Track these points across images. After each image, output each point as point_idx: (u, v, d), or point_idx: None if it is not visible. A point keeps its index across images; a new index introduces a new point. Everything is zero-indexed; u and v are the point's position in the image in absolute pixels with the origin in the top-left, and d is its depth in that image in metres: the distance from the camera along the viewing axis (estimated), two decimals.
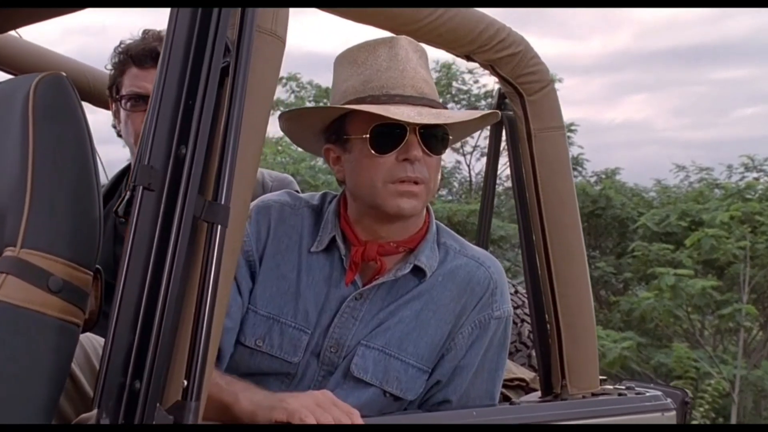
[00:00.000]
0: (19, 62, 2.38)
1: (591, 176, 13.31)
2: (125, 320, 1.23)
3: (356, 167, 1.74)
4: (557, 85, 2.18)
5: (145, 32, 2.25)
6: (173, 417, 1.22)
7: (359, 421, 1.55)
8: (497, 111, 1.91)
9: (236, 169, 1.29)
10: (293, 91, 14.68)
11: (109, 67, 2.28)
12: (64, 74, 1.38)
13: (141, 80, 2.19)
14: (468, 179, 14.23)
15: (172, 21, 1.30)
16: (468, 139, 13.11)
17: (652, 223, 10.74)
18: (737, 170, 11.75)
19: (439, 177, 1.79)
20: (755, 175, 11.56)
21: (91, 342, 1.68)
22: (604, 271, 11.20)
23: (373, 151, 1.70)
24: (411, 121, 1.67)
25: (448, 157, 13.55)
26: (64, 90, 1.35)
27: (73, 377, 1.61)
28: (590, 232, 11.21)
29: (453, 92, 13.66)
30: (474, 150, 13.75)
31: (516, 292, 2.44)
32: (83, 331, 1.33)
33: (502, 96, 2.06)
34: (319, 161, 10.86)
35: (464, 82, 13.79)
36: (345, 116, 1.75)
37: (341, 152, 1.78)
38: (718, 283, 9.56)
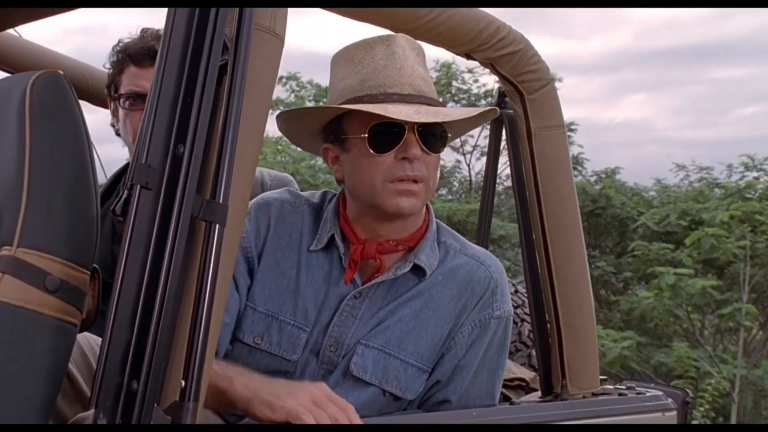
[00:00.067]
0: (17, 61, 2.37)
1: (591, 175, 13.30)
2: (123, 320, 1.22)
3: (355, 166, 1.74)
4: (557, 85, 2.17)
5: (144, 31, 2.25)
6: (171, 417, 1.22)
7: (354, 415, 1.55)
8: (495, 107, 1.90)
9: (234, 168, 1.28)
10: (293, 91, 14.67)
11: (108, 66, 2.28)
12: (61, 72, 1.37)
13: (139, 79, 2.19)
14: (468, 178, 14.21)
15: (170, 19, 1.29)
16: (468, 138, 13.11)
17: (652, 223, 10.73)
18: (737, 169, 11.74)
19: (438, 175, 1.79)
20: (755, 174, 11.54)
21: (89, 341, 1.67)
22: (604, 270, 11.18)
23: (371, 151, 1.70)
24: (409, 120, 1.67)
25: (448, 157, 13.55)
26: (61, 88, 1.35)
27: (70, 377, 1.60)
28: (590, 231, 11.19)
29: (453, 91, 13.63)
30: (474, 149, 13.73)
31: (516, 291, 2.43)
32: (80, 331, 1.33)
33: (502, 94, 2.05)
34: (319, 160, 10.84)
35: (464, 82, 13.77)
36: (343, 116, 1.75)
37: (340, 152, 1.78)
38: (718, 283, 9.54)
